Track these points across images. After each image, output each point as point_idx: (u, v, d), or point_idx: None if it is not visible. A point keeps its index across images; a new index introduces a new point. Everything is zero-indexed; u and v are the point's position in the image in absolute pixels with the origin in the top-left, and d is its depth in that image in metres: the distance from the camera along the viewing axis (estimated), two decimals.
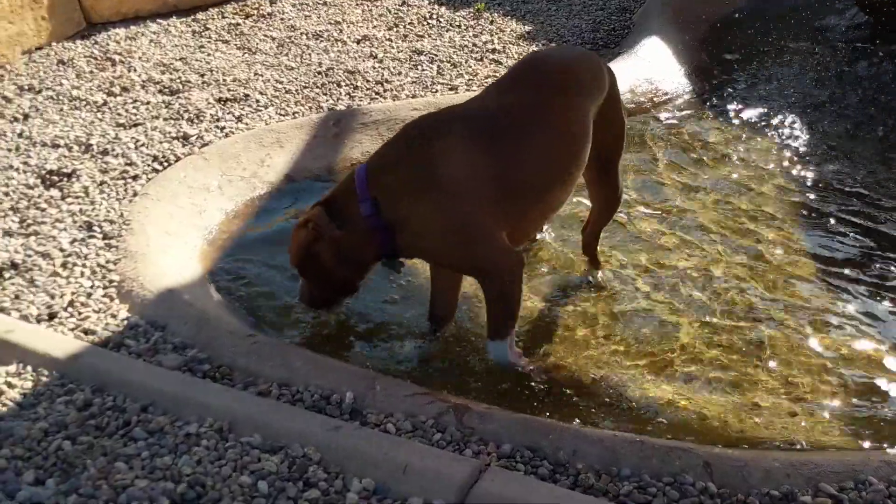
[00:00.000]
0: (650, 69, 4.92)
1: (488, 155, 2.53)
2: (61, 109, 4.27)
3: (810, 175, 4.06)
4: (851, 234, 3.57)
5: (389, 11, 5.95)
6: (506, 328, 2.66)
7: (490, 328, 2.69)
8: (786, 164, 4.17)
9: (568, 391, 2.71)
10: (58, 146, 3.86)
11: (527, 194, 2.64)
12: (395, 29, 5.63)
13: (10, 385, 2.48)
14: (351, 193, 2.56)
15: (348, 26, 5.65)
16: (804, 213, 3.75)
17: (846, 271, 3.34)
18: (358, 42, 5.38)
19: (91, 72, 4.73)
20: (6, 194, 3.46)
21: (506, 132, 2.58)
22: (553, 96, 2.69)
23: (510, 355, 2.70)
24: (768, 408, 2.66)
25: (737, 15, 6.04)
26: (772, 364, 2.85)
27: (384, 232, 2.55)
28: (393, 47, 5.29)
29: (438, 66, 4.99)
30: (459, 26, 5.68)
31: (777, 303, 3.15)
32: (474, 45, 5.35)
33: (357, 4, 6.09)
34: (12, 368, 2.55)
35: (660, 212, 3.72)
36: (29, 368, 2.55)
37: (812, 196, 3.87)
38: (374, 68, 4.94)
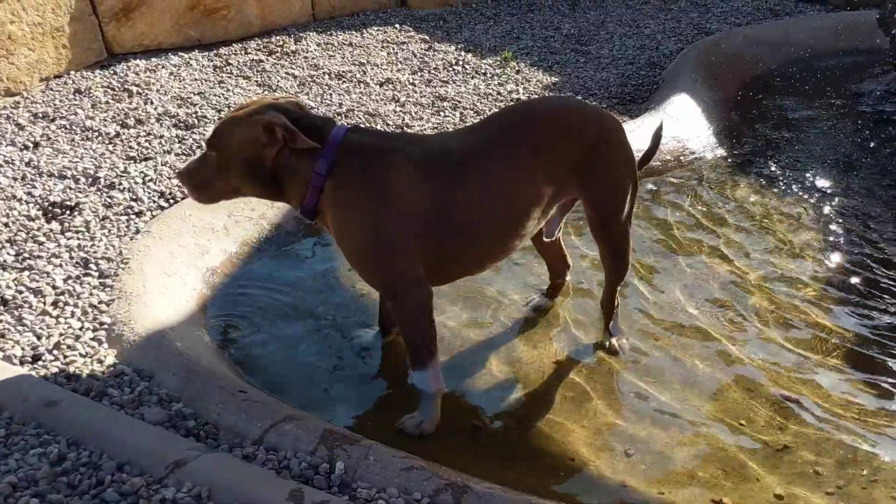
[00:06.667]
0: (678, 126, 4.78)
1: (431, 186, 2.53)
2: (73, 139, 4.18)
3: (835, 241, 3.87)
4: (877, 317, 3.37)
5: (415, 55, 5.87)
6: (422, 358, 2.63)
7: (410, 358, 2.67)
8: (811, 227, 3.99)
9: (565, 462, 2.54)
10: (64, 177, 3.76)
11: (460, 236, 2.61)
12: (419, 73, 5.54)
13: None
14: (321, 140, 2.51)
15: (372, 68, 5.56)
16: (836, 295, 3.53)
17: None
18: (381, 85, 5.29)
19: (107, 102, 4.66)
20: (6, 225, 3.34)
21: (455, 171, 2.57)
22: (515, 145, 2.64)
23: (431, 384, 2.66)
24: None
25: (770, 75, 5.93)
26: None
27: (315, 192, 2.52)
28: (416, 91, 5.19)
29: (461, 113, 4.88)
30: (485, 74, 5.58)
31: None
32: (499, 93, 5.23)
33: (383, 47, 6.03)
34: None
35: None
36: (6, 414, 2.40)
37: (840, 269, 3.68)
38: (396, 112, 4.83)
